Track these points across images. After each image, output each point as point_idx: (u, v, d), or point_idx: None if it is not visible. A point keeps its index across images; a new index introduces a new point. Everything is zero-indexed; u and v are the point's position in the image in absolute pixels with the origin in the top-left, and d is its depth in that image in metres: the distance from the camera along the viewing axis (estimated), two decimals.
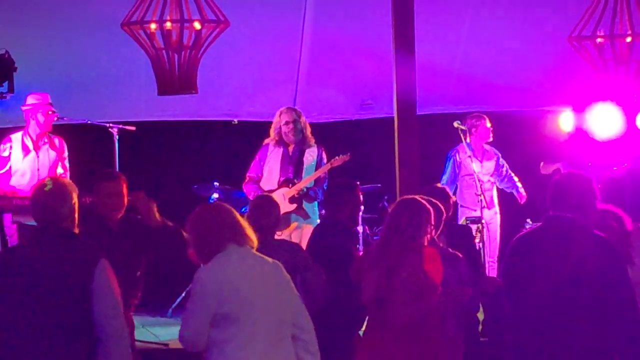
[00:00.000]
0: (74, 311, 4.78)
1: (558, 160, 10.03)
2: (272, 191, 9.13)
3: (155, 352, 8.17)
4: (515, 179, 10.47)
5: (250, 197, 9.26)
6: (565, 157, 10.01)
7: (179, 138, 11.57)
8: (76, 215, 4.99)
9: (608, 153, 9.99)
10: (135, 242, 6.50)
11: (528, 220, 9.61)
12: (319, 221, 9.17)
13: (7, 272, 4.87)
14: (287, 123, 9.22)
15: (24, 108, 9.15)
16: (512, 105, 11.19)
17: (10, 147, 9.15)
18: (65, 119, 9.39)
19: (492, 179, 10.34)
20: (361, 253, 7.27)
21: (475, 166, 10.06)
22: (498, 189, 10.51)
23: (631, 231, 5.96)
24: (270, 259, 5.05)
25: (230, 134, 11.29)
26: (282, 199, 8.99)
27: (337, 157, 9.19)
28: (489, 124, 10.26)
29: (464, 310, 6.28)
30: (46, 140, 9.22)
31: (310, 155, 9.25)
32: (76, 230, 4.98)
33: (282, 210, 8.87)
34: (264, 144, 9.40)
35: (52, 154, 9.21)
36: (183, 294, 9.39)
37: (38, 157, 9.14)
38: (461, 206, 10.22)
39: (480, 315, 8.49)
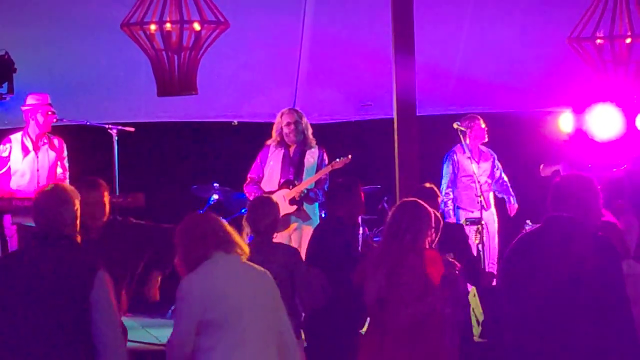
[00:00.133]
0: (72, 319, 4.77)
1: (558, 161, 10.02)
2: (272, 192, 9.13)
3: (155, 353, 8.15)
4: (509, 185, 10.43)
5: (251, 198, 9.25)
6: (565, 158, 10.00)
7: (178, 139, 11.57)
8: (78, 222, 4.99)
9: (608, 154, 9.98)
10: (120, 248, 6.36)
11: (528, 221, 9.61)
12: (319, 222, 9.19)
13: (7, 277, 4.87)
14: (288, 124, 9.21)
15: (23, 108, 9.15)
16: (511, 107, 11.19)
17: (10, 147, 9.15)
18: (64, 119, 9.38)
19: (489, 181, 10.33)
20: (361, 253, 7.23)
21: (474, 167, 10.06)
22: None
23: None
24: (259, 267, 5.05)
25: (230, 135, 11.28)
26: (283, 200, 8.99)
27: (337, 160, 9.18)
28: (483, 125, 10.25)
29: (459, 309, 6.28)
30: (46, 140, 9.21)
31: (312, 157, 9.24)
32: (77, 238, 4.98)
33: (282, 211, 8.88)
34: (265, 144, 9.39)
35: (52, 154, 9.20)
36: None
37: (37, 157, 9.14)
38: (458, 207, 10.22)
39: (481, 317, 8.50)
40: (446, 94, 11.03)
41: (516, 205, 10.39)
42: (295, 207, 9.10)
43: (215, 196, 10.31)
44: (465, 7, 10.31)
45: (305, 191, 9.12)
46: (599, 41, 8.05)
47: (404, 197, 7.12)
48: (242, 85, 10.57)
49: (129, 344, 8.21)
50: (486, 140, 10.31)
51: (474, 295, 8.60)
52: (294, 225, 9.07)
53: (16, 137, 9.19)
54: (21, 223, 8.52)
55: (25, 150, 9.14)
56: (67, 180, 9.16)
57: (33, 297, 4.78)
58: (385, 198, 10.61)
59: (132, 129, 9.29)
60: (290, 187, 9.15)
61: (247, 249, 5.05)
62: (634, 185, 9.95)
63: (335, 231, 7.05)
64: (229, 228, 5.06)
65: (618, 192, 9.59)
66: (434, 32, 10.04)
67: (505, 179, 10.47)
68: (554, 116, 10.68)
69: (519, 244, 5.14)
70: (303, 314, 6.85)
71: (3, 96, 8.73)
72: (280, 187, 9.19)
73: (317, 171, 9.18)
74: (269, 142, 9.36)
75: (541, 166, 10.13)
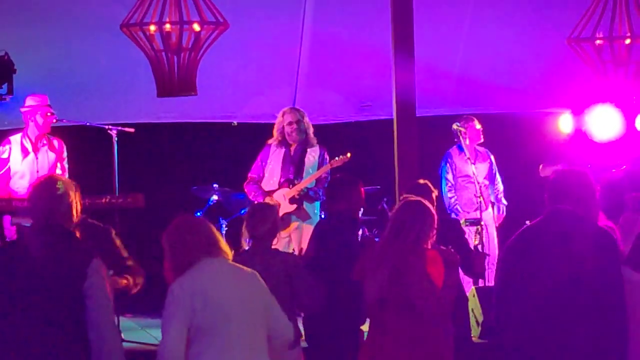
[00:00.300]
0: (66, 308, 4.78)
1: (557, 162, 10.01)
2: (272, 192, 9.15)
3: (155, 354, 8.13)
4: (502, 191, 10.42)
5: (251, 198, 9.27)
6: (564, 159, 10.00)
7: (178, 140, 11.57)
8: (74, 213, 5.00)
9: (607, 155, 9.99)
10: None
11: (527, 222, 9.58)
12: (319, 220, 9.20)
13: (2, 268, 4.88)
14: (290, 123, 9.22)
15: (22, 110, 9.15)
16: (511, 107, 11.19)
17: (10, 149, 9.15)
18: (64, 120, 9.38)
19: (486, 182, 10.31)
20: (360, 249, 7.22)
21: (472, 168, 10.06)
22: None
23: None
24: (247, 269, 5.04)
25: (230, 135, 11.28)
26: (283, 199, 9.00)
27: (337, 158, 9.20)
28: (478, 126, 10.24)
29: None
30: (45, 141, 9.21)
31: (313, 156, 9.25)
32: (74, 230, 4.99)
33: (282, 210, 8.91)
34: (266, 144, 9.40)
35: (52, 155, 9.20)
36: None
37: (37, 158, 9.14)
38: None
39: (480, 317, 8.50)
40: (446, 95, 11.03)
41: (504, 215, 10.38)
42: (295, 206, 9.10)
43: (215, 197, 10.31)
44: (465, 7, 10.31)
45: (305, 190, 9.13)
46: (598, 42, 8.05)
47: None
48: (241, 86, 10.57)
49: (128, 345, 8.26)
50: (482, 140, 10.31)
51: (474, 296, 8.61)
52: (294, 225, 9.08)
53: (15, 139, 9.19)
54: (21, 224, 8.51)
55: (24, 152, 9.14)
56: None
57: (27, 288, 4.79)
58: (385, 199, 10.62)
59: (132, 130, 9.29)
60: (290, 186, 9.16)
61: (230, 253, 5.03)
62: (634, 185, 9.95)
63: (336, 228, 7.03)
64: (216, 232, 5.04)
65: (618, 192, 9.59)
66: (433, 32, 10.04)
67: (500, 186, 10.44)
68: (554, 117, 10.69)
69: (519, 239, 5.13)
70: (302, 314, 6.86)
71: (3, 97, 8.72)
72: (281, 186, 9.21)
73: (318, 170, 9.19)
74: (270, 141, 9.37)
75: (540, 166, 10.13)
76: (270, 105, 10.56)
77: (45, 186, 5.03)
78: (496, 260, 9.93)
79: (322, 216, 9.26)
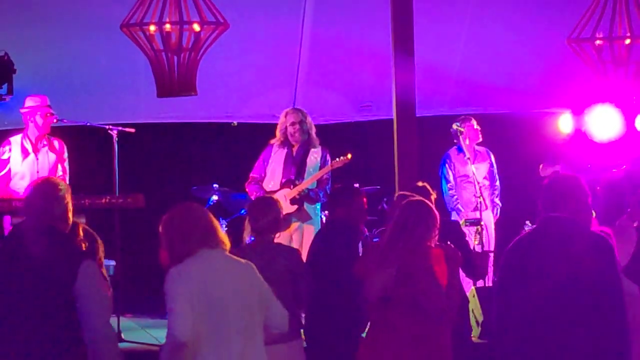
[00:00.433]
0: (57, 309, 4.78)
1: (557, 162, 10.02)
2: (274, 192, 9.15)
3: (155, 354, 8.14)
4: (499, 194, 10.41)
5: (253, 197, 9.27)
6: (564, 159, 10.01)
7: (178, 140, 11.58)
8: (70, 215, 5.01)
9: (607, 155, 9.99)
10: None
11: (527, 222, 9.61)
12: (320, 223, 9.20)
13: None
14: (293, 124, 9.21)
15: (22, 111, 9.15)
16: (511, 108, 11.19)
17: (10, 149, 9.15)
18: (64, 120, 9.38)
19: (486, 182, 10.31)
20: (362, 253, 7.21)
21: (472, 168, 10.06)
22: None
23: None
24: (242, 260, 5.04)
25: (230, 135, 11.29)
26: (284, 200, 9.00)
27: (337, 159, 9.19)
28: (477, 126, 10.24)
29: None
30: (45, 142, 9.21)
31: (315, 157, 9.25)
32: (69, 232, 4.99)
33: (283, 211, 8.89)
34: (269, 144, 9.40)
35: (52, 156, 9.20)
36: None
37: (37, 159, 9.14)
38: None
39: (480, 318, 8.50)
40: (446, 95, 11.03)
41: (497, 216, 10.37)
42: (296, 206, 9.10)
43: (215, 197, 10.31)
44: (465, 7, 10.31)
45: (306, 191, 9.13)
46: (598, 42, 8.06)
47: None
48: (241, 86, 10.57)
49: (128, 345, 8.26)
50: (480, 140, 10.31)
51: (474, 296, 8.61)
52: (295, 225, 9.08)
53: (16, 140, 9.19)
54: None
55: (24, 152, 9.14)
56: (67, 183, 9.17)
57: (19, 287, 4.79)
58: (385, 199, 10.61)
59: (132, 130, 9.29)
60: (292, 186, 9.16)
61: (228, 243, 5.01)
62: (634, 185, 9.95)
63: (336, 235, 7.02)
64: (214, 221, 5.02)
65: (618, 192, 9.59)
66: (433, 32, 10.04)
67: (497, 189, 10.43)
68: (554, 117, 10.69)
69: (516, 247, 5.13)
70: (303, 315, 6.86)
71: (3, 97, 8.72)
72: (282, 186, 9.21)
73: (319, 171, 9.20)
74: (272, 141, 9.37)
75: (541, 166, 10.13)
76: (270, 105, 10.57)
77: (41, 187, 5.04)
78: (493, 262, 9.98)
79: (324, 217, 9.27)
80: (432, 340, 5.84)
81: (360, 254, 7.04)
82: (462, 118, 10.27)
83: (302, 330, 6.66)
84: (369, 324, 6.15)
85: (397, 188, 8.40)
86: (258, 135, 10.24)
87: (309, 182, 9.16)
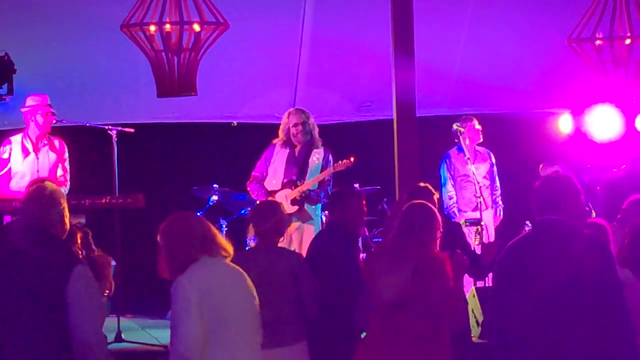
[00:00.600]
0: (48, 314, 4.76)
1: (557, 162, 10.03)
2: (275, 192, 9.15)
3: (155, 354, 8.16)
4: (500, 194, 10.41)
5: (254, 197, 9.28)
6: (564, 159, 10.01)
7: (178, 140, 11.58)
8: (66, 220, 5.00)
9: (607, 155, 9.99)
10: None
11: (527, 222, 9.60)
12: (320, 224, 9.19)
13: None
14: (295, 125, 9.21)
15: (23, 110, 9.15)
16: (511, 108, 11.19)
17: (10, 149, 9.15)
18: (64, 120, 9.38)
19: (486, 182, 10.31)
20: (363, 256, 7.19)
21: (472, 168, 10.06)
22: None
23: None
24: (238, 268, 5.01)
25: (230, 136, 11.29)
26: (285, 200, 9.00)
27: (340, 162, 9.19)
28: (477, 126, 10.24)
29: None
30: (46, 142, 9.21)
31: (317, 157, 9.25)
32: (64, 236, 4.99)
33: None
34: (271, 143, 9.40)
35: (52, 155, 9.20)
36: None
37: (38, 159, 9.14)
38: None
39: (480, 318, 8.50)
40: (446, 95, 11.03)
41: (501, 217, 10.37)
42: (296, 207, 9.10)
43: (215, 197, 10.31)
44: (465, 7, 10.31)
45: (308, 192, 9.13)
46: (598, 42, 8.06)
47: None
48: (241, 86, 10.57)
49: (128, 345, 8.26)
50: (481, 140, 10.30)
51: (474, 296, 8.61)
52: (295, 225, 9.07)
53: (16, 139, 9.19)
54: None
55: (25, 152, 9.14)
56: (68, 182, 9.18)
57: (10, 292, 4.77)
58: (385, 199, 10.62)
59: (131, 130, 9.29)
60: (293, 187, 9.16)
61: (231, 250, 4.98)
62: (633, 186, 9.97)
63: (333, 238, 7.00)
64: (212, 228, 4.99)
65: (618, 192, 9.60)
66: (433, 32, 10.04)
67: (498, 189, 10.43)
68: (554, 117, 10.69)
69: (511, 252, 5.11)
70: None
71: (3, 97, 8.72)
72: (283, 186, 9.21)
73: (321, 172, 9.20)
74: (275, 141, 9.37)
75: (541, 166, 10.14)
76: (270, 105, 10.57)
77: (36, 195, 5.03)
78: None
79: (324, 218, 9.28)
80: (432, 341, 5.83)
81: (363, 256, 7.01)
82: (463, 118, 10.28)
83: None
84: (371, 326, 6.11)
85: (397, 188, 8.41)
86: (258, 135, 10.25)
87: (310, 183, 9.16)
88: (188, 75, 7.09)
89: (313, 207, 9.20)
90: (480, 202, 9.93)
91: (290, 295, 6.18)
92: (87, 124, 9.39)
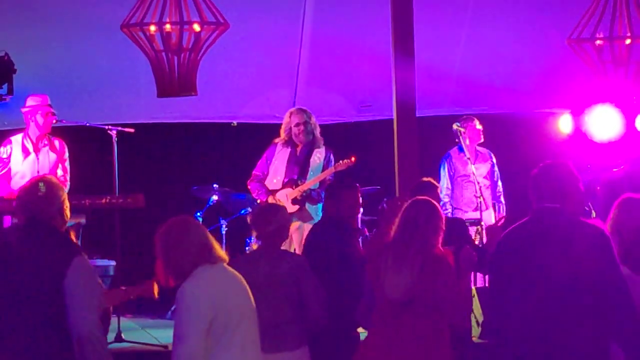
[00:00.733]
0: (49, 307, 4.77)
1: None
2: (276, 191, 9.16)
3: (155, 354, 8.16)
4: (502, 193, 10.40)
5: (254, 195, 9.29)
6: (564, 159, 10.00)
7: (178, 140, 11.58)
8: (67, 213, 5.01)
9: (607, 155, 9.99)
10: None
11: None
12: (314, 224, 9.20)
13: None
14: (297, 124, 9.22)
15: (23, 110, 9.15)
16: (511, 108, 11.19)
17: (10, 149, 9.15)
18: (64, 120, 9.38)
19: (486, 182, 10.31)
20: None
21: (472, 168, 10.06)
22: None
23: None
24: (237, 273, 5.00)
25: (230, 136, 11.29)
26: (285, 200, 9.01)
27: (341, 162, 9.19)
28: (479, 126, 10.24)
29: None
30: (46, 142, 9.21)
31: (318, 157, 9.26)
32: (63, 229, 5.00)
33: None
34: (273, 142, 9.40)
35: (52, 156, 9.20)
36: None
37: (38, 159, 9.14)
38: (455, 208, 10.22)
39: (480, 317, 8.50)
40: (446, 95, 11.03)
41: (504, 214, 10.35)
42: (297, 206, 9.11)
43: (215, 197, 10.32)
44: (465, 7, 10.31)
45: (309, 191, 9.14)
46: (598, 42, 8.05)
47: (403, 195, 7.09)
48: (241, 86, 10.58)
49: (128, 345, 8.26)
50: (482, 140, 10.30)
51: (474, 296, 8.61)
52: (295, 225, 9.07)
53: (16, 139, 9.19)
54: None
55: (25, 152, 9.14)
56: (68, 182, 9.17)
57: (9, 284, 4.79)
58: (385, 199, 10.61)
59: (131, 130, 9.29)
60: (294, 186, 9.17)
61: (225, 256, 4.97)
62: (634, 185, 9.96)
63: (328, 231, 6.99)
64: (208, 235, 4.96)
65: (618, 192, 9.59)
66: (433, 32, 10.04)
67: (500, 188, 10.43)
68: (554, 117, 10.69)
69: (508, 239, 5.08)
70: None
71: (3, 97, 8.73)
72: (284, 186, 9.21)
73: (322, 172, 9.20)
74: (277, 140, 9.38)
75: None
76: (270, 105, 10.57)
77: (35, 185, 5.05)
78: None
79: None
80: (432, 340, 5.82)
81: (365, 254, 6.97)
82: (464, 118, 10.28)
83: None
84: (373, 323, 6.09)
85: (397, 188, 8.41)
86: (258, 135, 10.25)
87: (311, 182, 9.16)
88: (188, 75, 7.09)
89: (314, 206, 9.20)
90: (481, 202, 9.93)
91: (292, 299, 6.16)
92: (87, 124, 9.39)
